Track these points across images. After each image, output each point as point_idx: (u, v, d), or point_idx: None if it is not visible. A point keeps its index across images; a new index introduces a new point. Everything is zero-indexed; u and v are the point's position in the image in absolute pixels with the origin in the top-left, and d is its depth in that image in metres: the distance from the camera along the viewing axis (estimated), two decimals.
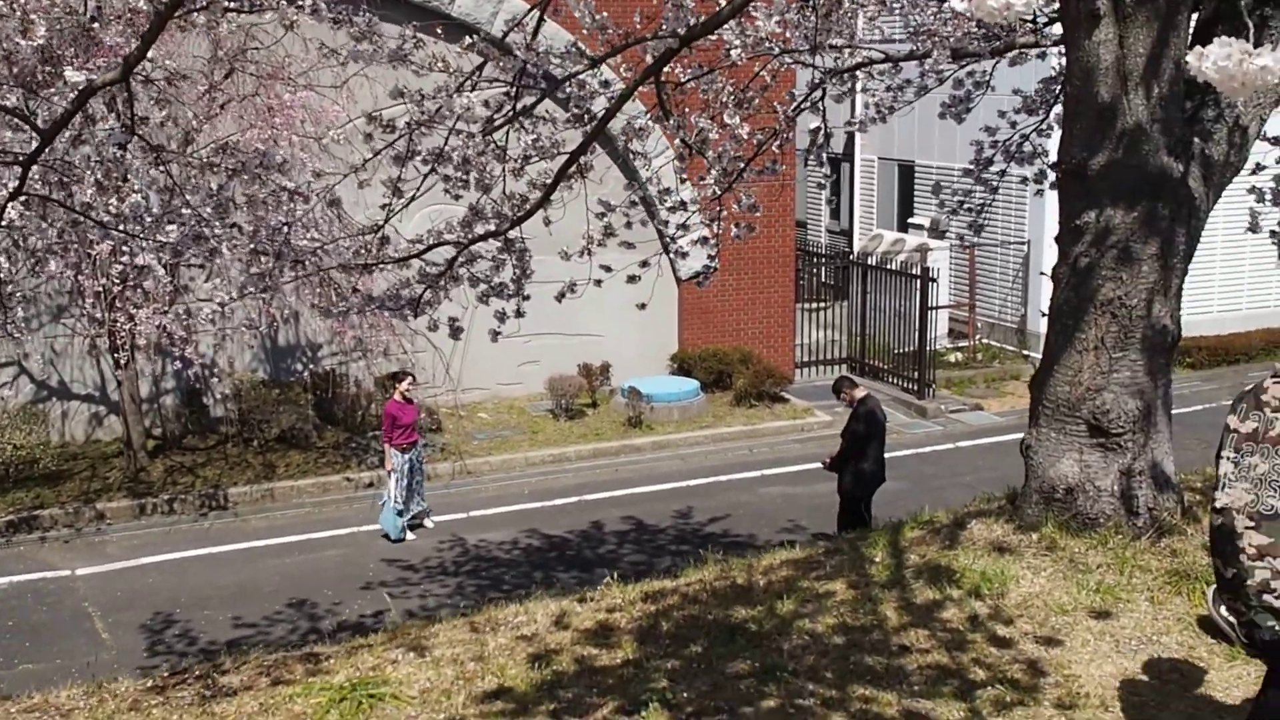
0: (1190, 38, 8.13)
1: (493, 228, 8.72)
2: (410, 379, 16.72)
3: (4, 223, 7.39)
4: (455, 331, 9.19)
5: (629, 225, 9.32)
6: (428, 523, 17.07)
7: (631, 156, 20.09)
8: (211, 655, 12.95)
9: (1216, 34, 8.01)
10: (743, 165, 10.90)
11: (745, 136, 10.13)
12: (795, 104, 10.78)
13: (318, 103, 16.70)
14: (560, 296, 8.89)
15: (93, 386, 20.47)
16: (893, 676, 6.64)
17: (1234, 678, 6.49)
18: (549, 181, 8.20)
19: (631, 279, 9.64)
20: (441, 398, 21.30)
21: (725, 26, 10.03)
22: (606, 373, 22.33)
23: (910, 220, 28.37)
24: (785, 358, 23.99)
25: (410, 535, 16.62)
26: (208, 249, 7.67)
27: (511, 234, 9.10)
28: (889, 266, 24.61)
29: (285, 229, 8.35)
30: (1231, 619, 4.95)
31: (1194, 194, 8.17)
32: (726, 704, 6.46)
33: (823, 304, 25.75)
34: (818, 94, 10.92)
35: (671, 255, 10.60)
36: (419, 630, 7.89)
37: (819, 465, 15.56)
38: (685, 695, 6.56)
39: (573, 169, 8.09)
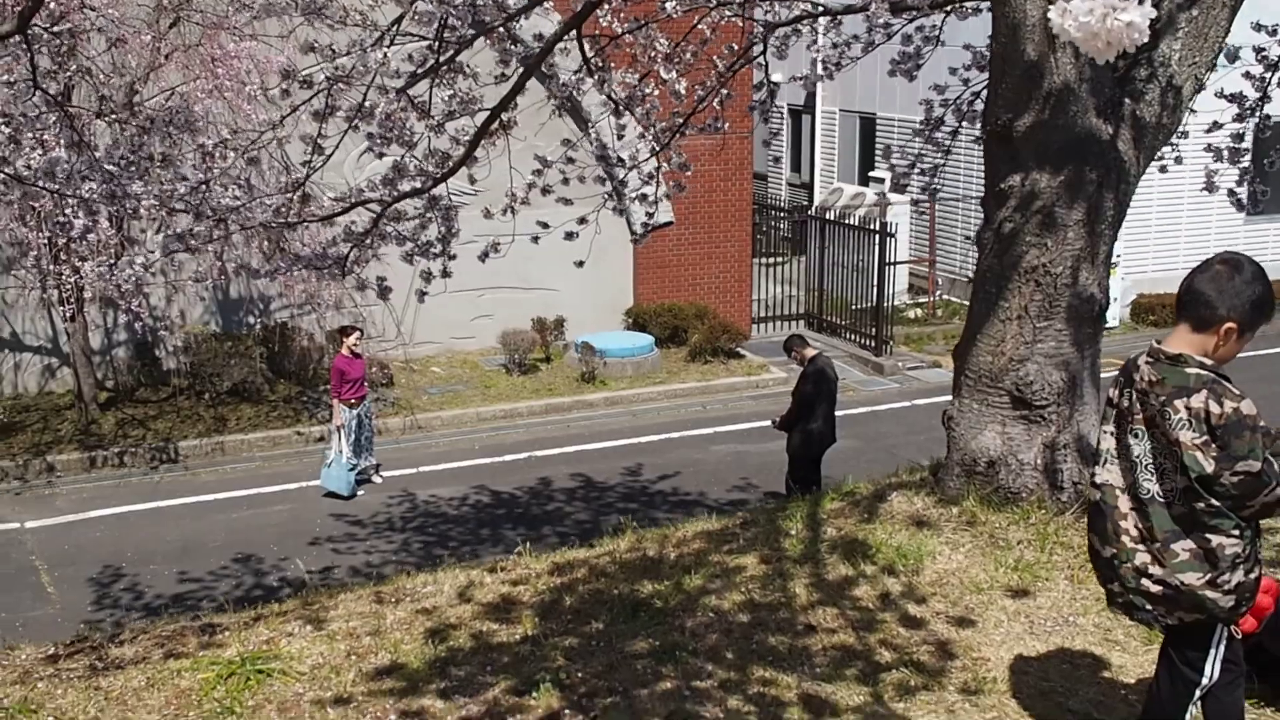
0: None
1: (418, 185, 8.64)
2: (358, 333, 16.61)
3: None
4: (383, 292, 9.15)
5: (581, 180, 9.27)
6: (375, 478, 17.02)
7: (579, 110, 20.01)
8: (155, 611, 12.95)
9: None
10: (681, 122, 10.83)
11: (683, 92, 10.05)
12: (735, 59, 10.68)
13: (264, 53, 16.48)
14: (483, 256, 8.84)
15: (45, 339, 20.32)
16: (796, 658, 6.54)
17: (1148, 661, 6.32)
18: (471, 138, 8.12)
19: (569, 235, 9.57)
20: (393, 352, 21.21)
21: None
22: (561, 327, 22.26)
23: (871, 174, 28.27)
24: (742, 313, 23.94)
25: (360, 491, 16.56)
26: (130, 206, 7.58)
27: (438, 192, 9.03)
28: (848, 221, 24.47)
29: (203, 187, 8.26)
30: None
31: (1123, 157, 7.92)
32: (621, 685, 6.36)
33: (781, 259, 25.67)
34: (757, 49, 10.82)
35: (623, 209, 10.47)
36: (322, 601, 7.82)
37: (769, 424, 15.54)
38: (580, 675, 6.47)
39: (495, 125, 8.00)
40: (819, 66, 11.74)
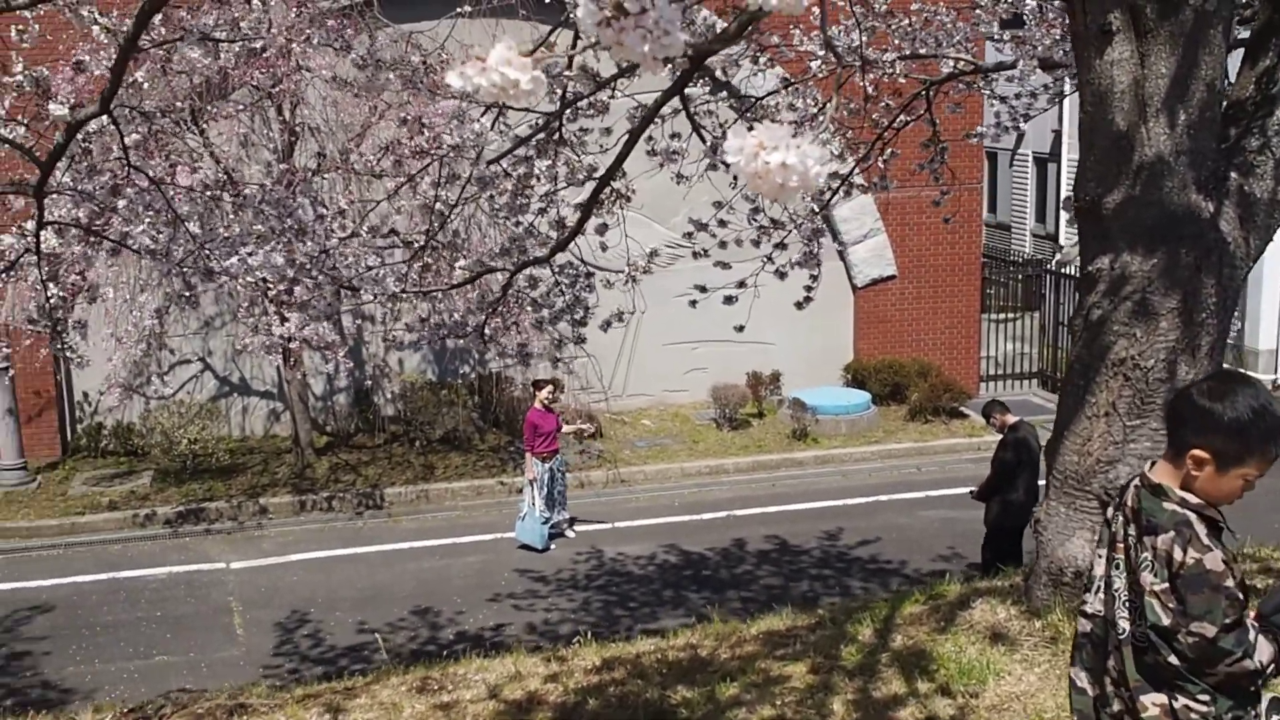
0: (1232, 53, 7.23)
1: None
2: (551, 386, 16.59)
3: (45, 250, 7.49)
4: (525, 358, 9.06)
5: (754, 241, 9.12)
6: (569, 533, 16.96)
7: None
8: (330, 662, 13.11)
9: (1271, 47, 7.20)
10: (840, 181, 10.52)
11: (835, 151, 9.80)
12: (894, 116, 10.32)
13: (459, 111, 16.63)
14: (605, 326, 8.65)
15: (270, 384, 20.97)
16: None
17: None
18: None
19: (728, 300, 9.32)
20: (603, 404, 21.21)
21: (805, 37, 9.67)
22: (776, 382, 21.91)
23: None
24: (968, 371, 23.21)
25: (551, 545, 16.53)
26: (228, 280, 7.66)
27: (569, 260, 8.92)
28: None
29: (325, 256, 8.29)
30: None
31: (1227, 238, 7.06)
32: None
33: (1013, 314, 24.83)
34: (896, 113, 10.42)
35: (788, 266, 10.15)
36: (367, 682, 7.67)
37: (970, 492, 14.93)
38: None
39: (606, 191, 7.82)
40: (1005, 118, 11.31)
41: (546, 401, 16.40)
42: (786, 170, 2.11)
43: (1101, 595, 4.21)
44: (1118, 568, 4.11)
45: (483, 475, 19.29)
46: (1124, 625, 4.08)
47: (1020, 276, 25.94)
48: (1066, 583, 7.41)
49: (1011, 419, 14.30)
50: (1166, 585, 3.91)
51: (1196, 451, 3.94)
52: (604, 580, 15.44)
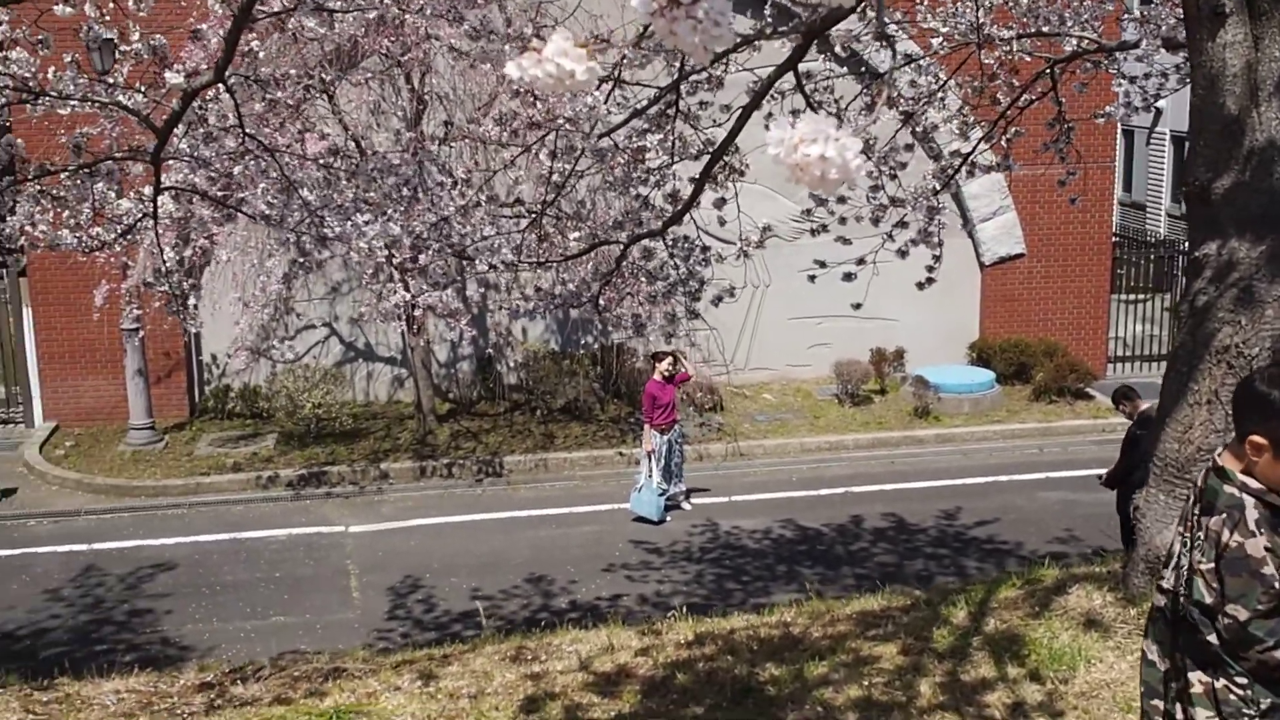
0: None
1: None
2: (671, 359, 16.58)
3: (162, 217, 7.62)
4: (639, 329, 9.07)
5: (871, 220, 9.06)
6: (685, 504, 16.97)
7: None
8: (442, 627, 13.25)
9: None
10: (960, 161, 10.37)
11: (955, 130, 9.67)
12: (1016, 95, 10.13)
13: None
14: (716, 301, 8.60)
15: (395, 350, 21.20)
16: None
17: None
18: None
19: (847, 276, 9.23)
20: (724, 377, 21.16)
21: (930, 14, 9.53)
22: (900, 359, 21.70)
23: None
24: (1096, 352, 22.80)
25: (668, 518, 16.54)
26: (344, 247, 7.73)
27: (685, 233, 8.89)
28: None
29: (443, 223, 8.34)
30: None
31: None
32: None
33: (1144, 295, 24.33)
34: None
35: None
36: (463, 650, 7.72)
37: (1097, 478, 14.66)
38: None
39: (718, 168, 7.78)
40: (1136, 97, 11.06)
41: (666, 373, 16.40)
42: (825, 163, 2.08)
43: (1174, 571, 4.17)
44: (1185, 545, 4.08)
45: (602, 445, 19.36)
46: (1184, 602, 4.06)
47: (1152, 257, 25.42)
48: None
49: (1143, 405, 14.00)
50: (1212, 565, 3.93)
51: (1255, 438, 3.95)
52: (718, 553, 15.43)
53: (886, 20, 9.88)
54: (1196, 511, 4.03)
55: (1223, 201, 6.92)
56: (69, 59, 6.30)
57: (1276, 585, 3.88)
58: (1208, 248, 7.08)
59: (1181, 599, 4.08)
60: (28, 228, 7.25)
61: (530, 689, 7.06)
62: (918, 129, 10.23)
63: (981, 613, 7.66)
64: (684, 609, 9.48)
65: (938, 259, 10.23)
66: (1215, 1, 6.63)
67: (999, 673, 6.79)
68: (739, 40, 7.43)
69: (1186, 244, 24.46)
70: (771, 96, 7.06)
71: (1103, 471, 14.28)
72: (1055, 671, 6.74)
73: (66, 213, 7.21)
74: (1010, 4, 9.14)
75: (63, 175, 6.79)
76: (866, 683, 6.86)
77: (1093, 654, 6.88)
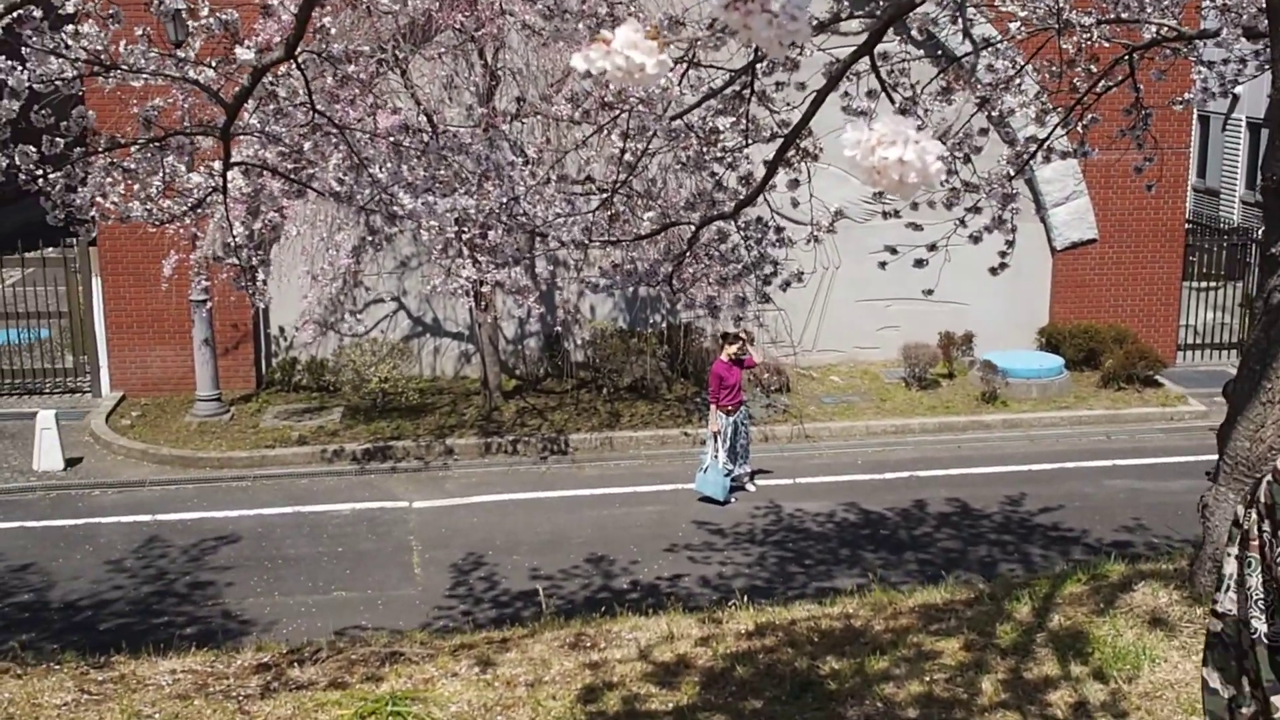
0: None
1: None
2: (741, 342, 16.51)
3: (231, 191, 7.64)
4: (713, 310, 9.06)
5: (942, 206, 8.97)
6: (750, 486, 16.91)
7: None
8: (503, 605, 13.27)
9: None
10: (1035, 147, 10.23)
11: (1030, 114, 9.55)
12: (1094, 81, 9.95)
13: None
14: (785, 286, 8.53)
15: (462, 326, 21.23)
16: None
17: None
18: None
19: (918, 263, 9.13)
20: (791, 358, 21.05)
21: None
22: (969, 343, 21.51)
23: None
24: (1166, 339, 22.52)
25: (733, 499, 16.49)
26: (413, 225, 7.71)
27: (758, 215, 8.83)
28: None
29: (514, 202, 8.30)
30: None
31: None
32: None
33: (1216, 283, 23.97)
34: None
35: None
36: (522, 635, 7.67)
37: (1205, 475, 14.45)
38: None
39: (791, 151, 7.69)
40: (1214, 84, 10.87)
41: (733, 355, 16.33)
42: (904, 167, 2.01)
43: (1233, 594, 4.04)
44: (1250, 566, 3.95)
45: (667, 425, 19.32)
46: (1256, 625, 3.91)
47: (1225, 244, 25.05)
48: None
49: None
50: None
51: None
52: (781, 536, 15.37)
53: (965, 3, 9.77)
54: (1267, 529, 3.89)
55: None
56: (140, 31, 6.31)
57: None
58: None
59: (1255, 623, 3.94)
60: (99, 199, 7.26)
61: (588, 678, 7.03)
62: (993, 114, 10.08)
63: (1045, 608, 7.55)
64: (745, 593, 9.43)
65: (1010, 244, 10.10)
66: None
67: (1062, 671, 6.69)
68: (815, 28, 7.36)
69: (1261, 232, 24.13)
70: (847, 78, 6.97)
71: (1212, 469, 14.06)
72: (1119, 670, 6.63)
73: (137, 185, 7.22)
74: None
75: (133, 149, 6.79)
76: (928, 679, 6.77)
77: (1157, 653, 6.78)
